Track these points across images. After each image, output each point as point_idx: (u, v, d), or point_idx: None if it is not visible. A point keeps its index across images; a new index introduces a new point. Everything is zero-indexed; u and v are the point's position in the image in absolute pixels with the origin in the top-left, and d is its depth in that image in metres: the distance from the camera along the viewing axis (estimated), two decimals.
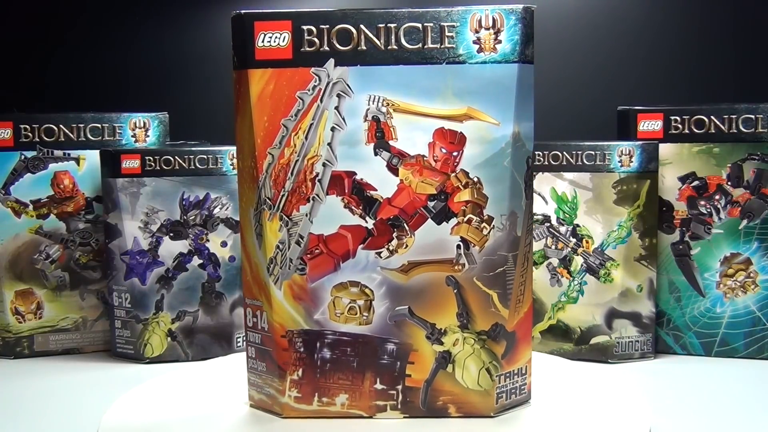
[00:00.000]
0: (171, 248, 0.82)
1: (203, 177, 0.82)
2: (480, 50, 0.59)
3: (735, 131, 0.79)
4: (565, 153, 0.80)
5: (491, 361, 0.62)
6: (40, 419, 0.66)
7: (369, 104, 0.60)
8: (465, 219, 0.60)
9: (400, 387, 0.62)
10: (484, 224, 0.60)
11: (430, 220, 0.61)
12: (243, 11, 0.60)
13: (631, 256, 0.79)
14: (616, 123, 0.84)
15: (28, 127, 0.84)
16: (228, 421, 0.62)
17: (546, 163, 0.81)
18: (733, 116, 0.79)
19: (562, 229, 0.81)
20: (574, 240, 0.80)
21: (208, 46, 1.18)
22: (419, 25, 0.59)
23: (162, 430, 0.60)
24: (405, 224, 0.61)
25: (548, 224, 0.82)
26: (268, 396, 0.63)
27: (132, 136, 0.87)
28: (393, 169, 0.61)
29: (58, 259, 0.86)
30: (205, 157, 0.82)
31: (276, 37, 0.60)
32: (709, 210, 0.80)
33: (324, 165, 0.60)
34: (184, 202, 0.82)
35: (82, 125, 0.86)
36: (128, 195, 0.81)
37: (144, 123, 0.88)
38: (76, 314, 0.87)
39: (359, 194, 0.61)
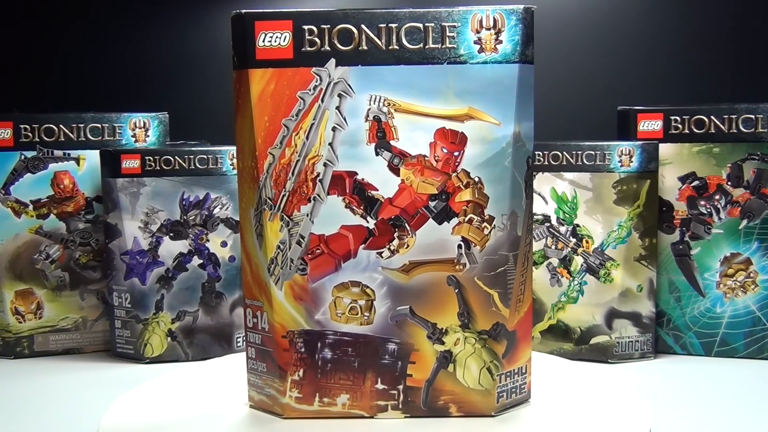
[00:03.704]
0: (171, 248, 0.82)
1: (203, 177, 0.82)
2: (481, 50, 0.59)
3: (735, 131, 0.79)
4: (565, 153, 0.80)
5: (492, 361, 0.62)
6: (40, 419, 0.66)
7: (370, 104, 0.60)
8: (466, 219, 0.60)
9: (401, 387, 0.62)
10: (485, 224, 0.60)
11: (431, 220, 0.61)
12: (243, 11, 0.60)
13: (631, 256, 0.79)
14: (616, 123, 0.84)
15: (28, 127, 0.84)
16: (228, 421, 0.62)
17: (546, 163, 0.81)
18: (733, 116, 0.79)
19: (562, 229, 0.81)
20: (574, 240, 0.80)
21: (208, 46, 1.18)
22: (420, 25, 0.59)
23: (162, 431, 0.60)
24: (406, 224, 0.61)
25: (548, 224, 0.82)
26: (269, 396, 0.63)
27: (132, 136, 0.87)
28: (394, 169, 0.61)
29: (58, 259, 0.86)
30: (205, 157, 0.82)
31: (277, 37, 0.60)
32: (709, 210, 0.80)
33: (325, 165, 0.60)
34: (184, 202, 0.82)
35: (82, 125, 0.86)
36: (128, 195, 0.81)
37: (144, 123, 0.88)
38: (76, 314, 0.87)
39: (360, 194, 0.61)
